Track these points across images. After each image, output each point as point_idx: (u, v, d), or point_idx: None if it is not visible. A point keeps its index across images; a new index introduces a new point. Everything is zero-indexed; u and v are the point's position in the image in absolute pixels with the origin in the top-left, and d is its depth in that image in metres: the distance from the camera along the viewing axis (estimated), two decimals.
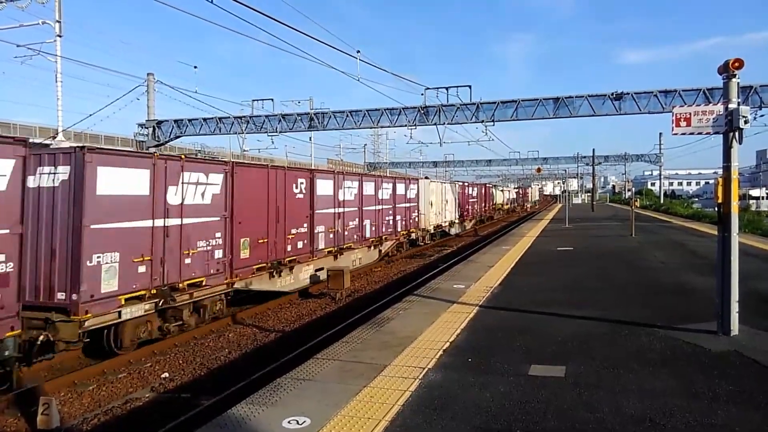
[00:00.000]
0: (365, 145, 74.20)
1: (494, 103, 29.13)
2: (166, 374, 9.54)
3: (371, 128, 36.77)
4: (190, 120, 34.13)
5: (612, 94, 26.99)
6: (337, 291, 15.63)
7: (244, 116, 33.37)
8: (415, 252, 26.45)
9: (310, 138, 51.54)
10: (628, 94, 26.88)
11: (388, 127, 32.62)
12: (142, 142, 33.34)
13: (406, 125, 30.95)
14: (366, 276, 19.71)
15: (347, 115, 31.92)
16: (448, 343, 7.01)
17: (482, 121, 29.58)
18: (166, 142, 34.50)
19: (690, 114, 7.04)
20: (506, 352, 6.65)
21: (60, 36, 24.20)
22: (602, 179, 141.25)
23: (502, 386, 5.48)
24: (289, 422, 4.63)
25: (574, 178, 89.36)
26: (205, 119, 34.06)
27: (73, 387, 8.81)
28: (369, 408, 4.95)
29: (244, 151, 38.29)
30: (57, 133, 25.23)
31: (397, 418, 4.74)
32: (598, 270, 13.63)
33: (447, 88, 28.35)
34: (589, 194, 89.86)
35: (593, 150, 62.22)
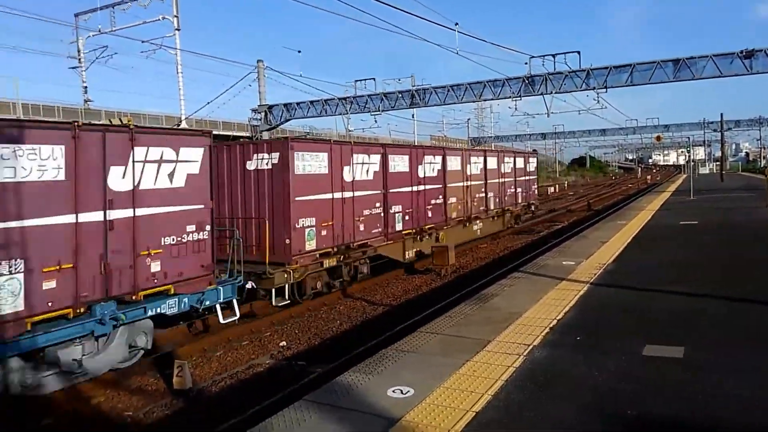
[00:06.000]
0: (468, 119, 73.01)
1: (606, 68, 27.24)
2: (284, 343, 10.23)
3: (474, 102, 35.95)
4: (298, 103, 35.44)
5: (741, 52, 24.11)
6: (441, 267, 15.73)
7: (348, 97, 34.07)
8: (522, 228, 25.83)
9: (413, 115, 51.54)
10: (760, 51, 23.90)
11: (492, 99, 31.74)
12: (256, 126, 35.23)
13: (510, 97, 29.91)
14: (471, 252, 19.60)
15: (448, 90, 31.48)
16: (555, 321, 6.83)
17: (593, 89, 27.81)
18: (278, 125, 36.16)
19: None
20: (619, 332, 6.36)
21: (178, 30, 26.02)
22: (733, 146, 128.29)
23: (613, 366, 5.27)
24: (393, 391, 4.81)
25: (701, 146, 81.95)
26: (311, 102, 35.21)
27: (203, 353, 9.72)
28: (472, 382, 4.99)
29: (349, 131, 39.22)
30: (180, 121, 27.41)
31: (500, 392, 4.74)
32: (725, 245, 12.51)
33: (554, 56, 26.93)
34: (717, 163, 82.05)
35: (721, 115, 56.80)
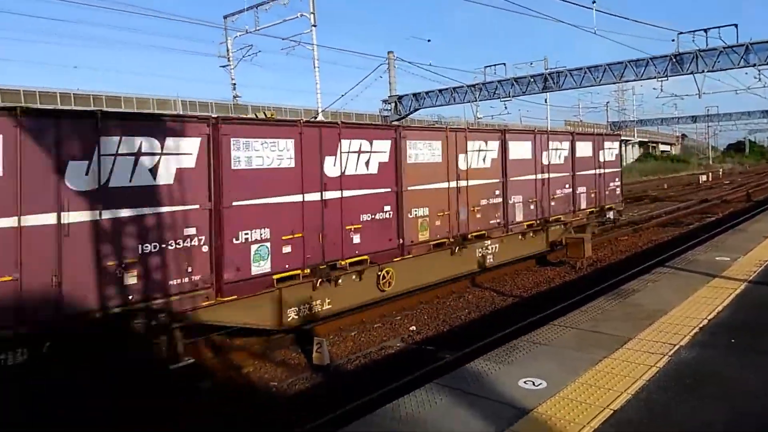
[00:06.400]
0: (607, 102, 68.59)
1: None
2: (414, 327, 10.53)
3: (613, 84, 33.72)
4: (426, 93, 35.76)
5: None
6: (576, 260, 15.09)
7: (477, 84, 33.67)
8: (668, 220, 23.88)
9: (545, 100, 49.47)
10: None
11: (634, 80, 29.60)
12: (386, 116, 36.13)
13: (655, 77, 27.67)
14: (610, 245, 18.54)
15: (585, 72, 29.83)
16: (706, 321, 6.32)
17: (754, 65, 24.79)
18: (407, 115, 36.79)
19: None
20: None
21: (314, 26, 27.32)
22: None
23: None
24: (524, 382, 4.78)
25: None
26: (440, 90, 35.33)
27: (339, 332, 10.32)
28: (609, 379, 4.81)
29: (478, 118, 38.74)
30: (317, 113, 28.93)
31: (641, 392, 4.53)
32: None
33: (706, 30, 24.46)
34: None
35: None
